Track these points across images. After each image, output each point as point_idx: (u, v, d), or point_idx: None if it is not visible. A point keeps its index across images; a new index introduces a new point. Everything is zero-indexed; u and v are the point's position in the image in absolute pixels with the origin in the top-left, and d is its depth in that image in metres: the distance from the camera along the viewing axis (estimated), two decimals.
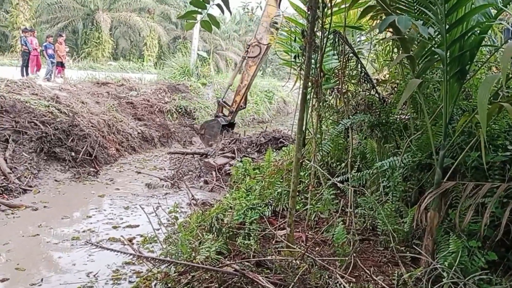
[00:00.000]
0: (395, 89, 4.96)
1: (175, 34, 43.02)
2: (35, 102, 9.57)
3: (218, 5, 3.29)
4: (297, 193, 4.60)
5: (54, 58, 15.78)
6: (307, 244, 3.34)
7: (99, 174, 8.64)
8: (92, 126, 10.07)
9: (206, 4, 3.16)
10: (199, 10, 3.23)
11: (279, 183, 4.80)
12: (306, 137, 5.16)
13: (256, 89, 22.66)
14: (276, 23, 9.74)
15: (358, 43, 5.62)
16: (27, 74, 15.13)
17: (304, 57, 3.52)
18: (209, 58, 20.81)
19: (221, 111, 11.71)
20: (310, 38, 3.08)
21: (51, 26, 36.59)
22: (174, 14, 39.88)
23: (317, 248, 3.45)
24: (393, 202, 3.67)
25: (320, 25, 3.43)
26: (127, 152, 10.98)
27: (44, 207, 6.46)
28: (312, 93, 4.07)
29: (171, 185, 8.01)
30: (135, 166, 9.71)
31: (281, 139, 9.06)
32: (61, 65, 16.22)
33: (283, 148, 7.24)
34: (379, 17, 3.80)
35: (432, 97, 3.94)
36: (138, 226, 5.88)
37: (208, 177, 8.26)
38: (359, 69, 4.54)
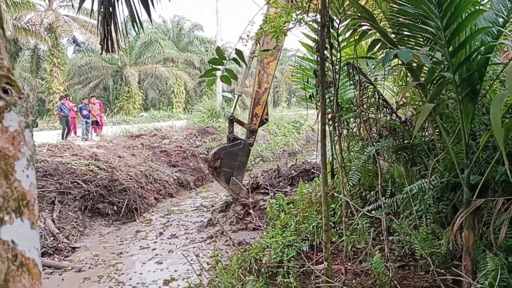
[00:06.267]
0: (416, 109, 5.02)
1: (199, 79, 44.56)
2: (75, 163, 10.15)
3: (234, 59, 3.56)
4: (333, 225, 4.66)
5: (89, 119, 16.74)
6: (345, 277, 3.38)
7: (141, 225, 8.94)
8: (130, 179, 10.51)
9: (223, 61, 3.42)
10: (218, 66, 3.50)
11: (313, 216, 4.86)
12: (334, 168, 5.25)
13: (283, 121, 22.93)
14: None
15: (374, 69, 5.74)
16: (66, 137, 16.04)
17: (319, 95, 3.69)
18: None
19: (232, 131, 8.64)
20: (322, 78, 3.25)
21: (83, 86, 38.87)
22: (196, 59, 41.48)
23: (356, 279, 3.48)
24: (427, 225, 3.66)
25: (330, 63, 3.60)
26: (164, 199, 11.32)
27: (90, 265, 6.72)
28: (332, 127, 4.21)
29: (209, 226, 8.20)
30: (174, 212, 9.98)
31: (312, 170, 9.12)
32: (96, 123, 17.12)
33: (315, 179, 7.31)
34: (388, 47, 3.95)
35: (452, 117, 3.98)
36: (182, 272, 6.06)
37: (243, 215, 8.38)
38: (376, 96, 4.65)
